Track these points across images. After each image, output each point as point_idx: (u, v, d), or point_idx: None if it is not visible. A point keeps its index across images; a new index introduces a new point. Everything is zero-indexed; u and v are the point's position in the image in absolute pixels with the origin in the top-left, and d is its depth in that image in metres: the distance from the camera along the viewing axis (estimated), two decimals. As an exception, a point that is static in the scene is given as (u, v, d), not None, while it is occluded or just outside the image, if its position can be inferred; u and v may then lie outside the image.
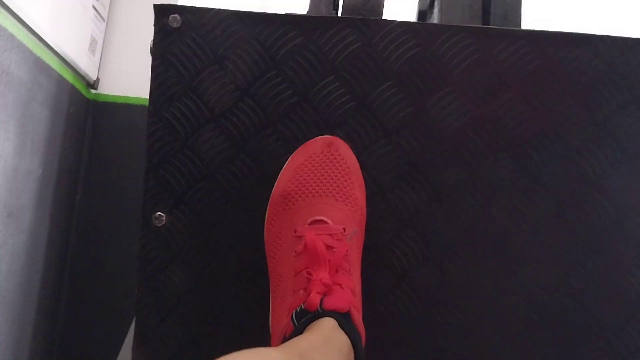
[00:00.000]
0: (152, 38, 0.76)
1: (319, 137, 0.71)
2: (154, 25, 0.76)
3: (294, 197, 0.66)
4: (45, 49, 1.68)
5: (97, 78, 2.05)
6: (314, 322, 0.55)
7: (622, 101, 0.75)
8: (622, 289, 0.74)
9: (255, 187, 0.75)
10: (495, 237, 0.74)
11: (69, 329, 1.96)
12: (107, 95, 2.07)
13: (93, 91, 2.06)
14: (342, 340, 0.54)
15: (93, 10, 1.94)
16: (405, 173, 0.74)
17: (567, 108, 0.75)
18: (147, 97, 2.06)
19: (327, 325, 0.54)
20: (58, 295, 1.94)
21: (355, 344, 0.55)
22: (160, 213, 0.75)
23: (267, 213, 0.70)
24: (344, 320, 0.55)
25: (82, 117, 2.00)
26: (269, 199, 0.70)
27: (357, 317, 0.58)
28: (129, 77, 2.09)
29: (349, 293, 0.58)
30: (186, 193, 0.75)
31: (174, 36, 0.75)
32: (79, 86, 1.96)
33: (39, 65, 1.66)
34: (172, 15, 0.76)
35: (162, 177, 0.75)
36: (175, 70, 0.75)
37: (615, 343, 0.74)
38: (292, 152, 0.71)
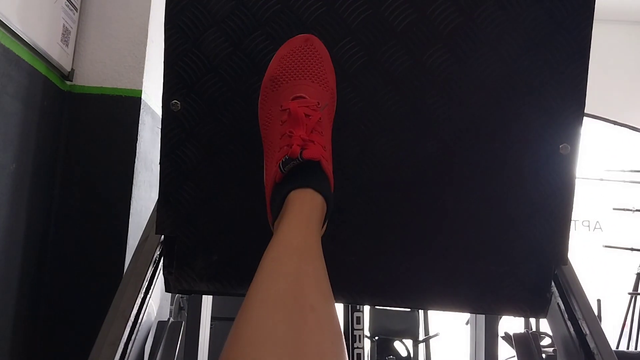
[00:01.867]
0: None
1: (299, 35, 0.87)
2: None
3: (279, 81, 0.84)
4: (14, 40, 1.64)
5: (72, 69, 2.01)
6: (294, 193, 0.72)
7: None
8: (534, 147, 0.93)
9: (250, 77, 0.92)
10: (434, 109, 0.93)
11: (49, 326, 1.93)
12: (83, 87, 2.03)
13: (68, 83, 2.01)
14: (317, 201, 0.72)
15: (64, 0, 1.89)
16: (365, 63, 0.93)
17: (485, 9, 0.92)
18: (123, 87, 2.01)
19: (306, 199, 0.72)
20: (38, 293, 1.91)
21: (326, 198, 0.73)
22: (176, 100, 0.92)
23: (260, 96, 0.86)
24: (317, 180, 0.74)
25: (57, 110, 1.96)
26: (260, 86, 0.87)
27: (327, 165, 0.77)
28: (104, 67, 2.04)
29: (320, 147, 0.76)
30: (196, 84, 0.92)
31: None
32: (53, 78, 1.91)
33: (8, 56, 1.61)
34: None
35: (176, 72, 0.92)
36: None
37: (529, 188, 0.94)
38: (278, 49, 0.87)
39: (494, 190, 0.95)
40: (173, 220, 0.95)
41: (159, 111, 2.26)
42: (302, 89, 0.82)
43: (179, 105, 0.92)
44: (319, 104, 0.81)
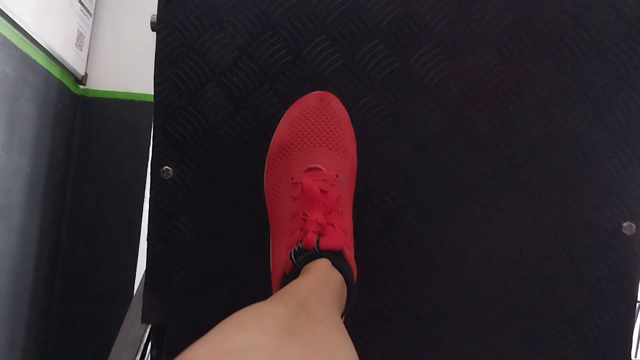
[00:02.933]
0: (153, 12, 0.80)
1: (313, 92, 0.76)
2: None
3: (290, 148, 0.72)
4: (31, 45, 1.66)
5: (85, 73, 2.03)
6: (310, 263, 0.60)
7: (589, 53, 0.81)
8: (591, 226, 0.82)
9: (255, 140, 0.80)
10: (474, 180, 0.81)
11: (62, 326, 1.95)
12: (96, 91, 2.05)
13: (81, 87, 2.04)
14: (336, 278, 0.59)
15: (79, 5, 1.91)
16: (391, 124, 0.81)
17: (537, 61, 0.81)
18: (136, 92, 2.04)
19: (322, 266, 0.59)
20: (50, 293, 1.93)
21: (347, 280, 0.61)
22: (167, 167, 0.81)
23: (266, 164, 0.76)
24: (337, 259, 0.61)
25: (70, 113, 1.98)
26: (267, 150, 0.76)
27: (349, 254, 0.64)
28: (117, 71, 2.07)
29: (341, 232, 0.64)
30: (191, 147, 0.81)
31: (177, 1, 0.80)
32: (67, 82, 1.93)
33: (25, 61, 1.63)
34: None
35: (168, 133, 0.80)
36: (178, 33, 0.80)
37: (584, 274, 0.82)
38: (288, 107, 0.77)
39: (543, 277, 0.82)
40: (162, 308, 0.82)
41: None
42: (317, 159, 0.70)
43: (170, 172, 0.80)
44: (337, 177, 0.69)
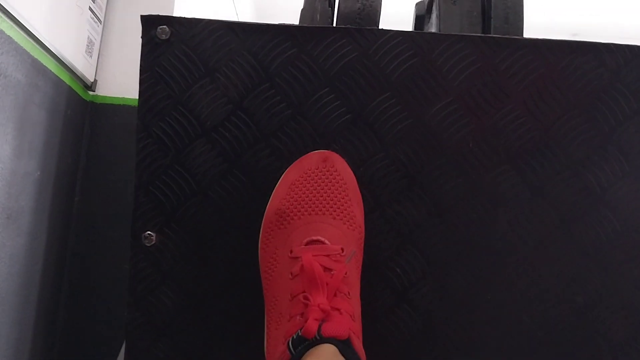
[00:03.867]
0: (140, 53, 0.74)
1: (314, 151, 0.68)
2: (142, 37, 0.74)
3: (289, 216, 0.63)
4: (42, 51, 1.68)
5: (95, 80, 2.05)
6: (312, 349, 0.53)
7: (628, 111, 0.72)
8: (628, 304, 0.72)
9: (249, 203, 0.71)
10: (497, 251, 0.72)
11: (69, 331, 1.97)
12: (105, 97, 2.07)
13: (90, 93, 2.06)
14: None
15: (89, 12, 1.94)
16: (404, 187, 0.71)
17: (570, 118, 0.72)
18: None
19: (327, 352, 0.52)
20: (57, 297, 1.95)
21: None
22: (150, 232, 0.73)
23: (261, 231, 0.68)
24: (344, 347, 0.53)
25: (79, 119, 2.00)
26: (263, 215, 0.68)
27: (357, 343, 0.56)
28: (126, 78, 2.09)
29: (348, 318, 0.56)
30: (177, 211, 0.72)
31: (163, 48, 0.74)
32: (77, 88, 1.95)
33: (36, 67, 1.65)
34: (161, 26, 0.75)
35: (152, 195, 0.73)
36: (164, 83, 0.74)
37: (619, 354, 0.73)
38: (286, 167, 0.69)
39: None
40: None
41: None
42: (319, 230, 0.62)
43: (153, 238, 0.73)
44: (343, 251, 0.61)
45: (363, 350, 0.57)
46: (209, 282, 0.72)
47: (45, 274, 1.84)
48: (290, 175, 0.67)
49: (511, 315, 0.72)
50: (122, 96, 2.07)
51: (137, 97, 2.07)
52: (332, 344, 0.53)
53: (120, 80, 2.08)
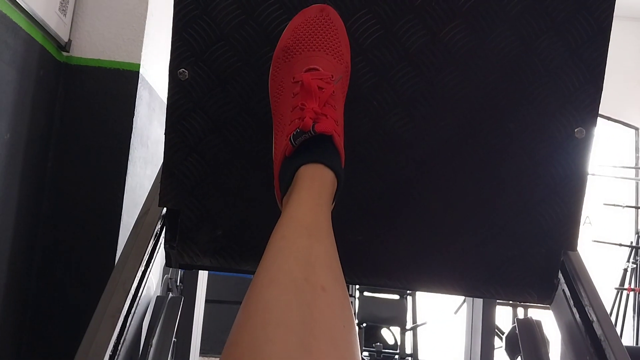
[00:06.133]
0: None
1: (314, 5, 0.85)
2: None
3: (292, 51, 0.81)
4: (12, 6, 1.59)
5: (69, 40, 1.96)
6: (304, 168, 0.70)
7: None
8: (549, 130, 0.93)
9: (262, 48, 0.89)
10: (450, 88, 0.92)
11: (41, 297, 1.90)
12: (80, 59, 1.99)
13: (64, 54, 1.97)
14: (328, 178, 0.70)
15: (64, -33, 1.84)
16: (381, 36, 0.90)
17: None
18: (121, 60, 1.97)
19: (313, 171, 0.70)
20: (29, 266, 1.88)
21: (337, 174, 0.71)
22: (184, 69, 0.89)
23: (271, 67, 0.84)
24: (329, 158, 0.71)
25: (52, 81, 1.92)
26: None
27: (339, 140, 0.74)
28: (101, 39, 2.00)
29: (333, 121, 0.74)
30: (204, 52, 0.89)
31: None
32: (50, 48, 1.87)
33: (5, 22, 1.57)
34: None
35: (184, 39, 0.89)
36: None
37: (542, 172, 0.93)
38: (292, 18, 0.85)
39: (506, 173, 0.94)
40: (177, 193, 0.93)
41: (156, 86, 2.23)
42: (316, 61, 0.80)
43: (186, 74, 0.89)
44: (332, 77, 0.79)
45: (342, 147, 0.75)
46: (231, 108, 0.91)
47: (17, 241, 1.77)
48: (295, 21, 0.84)
49: (464, 138, 0.93)
50: (98, 58, 1.99)
51: (113, 59, 2.00)
52: (320, 140, 0.71)
53: (96, 41, 2.00)
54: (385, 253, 0.96)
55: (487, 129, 0.93)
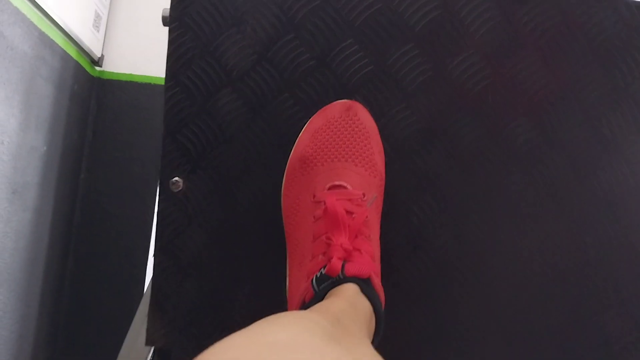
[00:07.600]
0: (169, 2, 0.75)
1: (338, 101, 0.70)
2: None
3: (312, 162, 0.66)
4: (50, 24, 1.66)
5: (102, 55, 2.03)
6: (335, 288, 0.54)
7: None
8: (638, 251, 0.75)
9: (273, 152, 0.74)
10: (511, 200, 0.75)
11: (74, 306, 1.96)
12: (112, 73, 2.05)
13: (97, 68, 2.04)
14: (364, 305, 0.54)
15: (97, -15, 1.91)
16: (424, 138, 0.73)
17: (587, 73, 0.74)
18: (152, 75, 2.02)
19: (350, 291, 0.54)
20: (63, 273, 1.94)
21: (377, 309, 0.56)
22: (177, 178, 0.75)
23: (284, 178, 0.70)
24: (365, 286, 0.55)
25: (86, 95, 1.98)
26: (286, 164, 0.70)
27: (377, 282, 0.58)
28: (133, 54, 2.06)
29: (368, 258, 0.58)
30: (203, 158, 0.74)
31: None
32: (83, 63, 1.93)
33: (43, 40, 1.63)
34: None
35: (179, 142, 0.74)
36: (192, 33, 0.73)
37: (630, 306, 0.75)
38: (309, 117, 0.71)
39: (586, 311, 0.75)
40: (168, 331, 0.75)
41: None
42: (342, 175, 0.64)
43: (181, 184, 0.75)
44: (364, 197, 0.62)
45: (382, 290, 0.60)
46: (233, 227, 0.74)
47: (51, 249, 1.83)
48: (314, 123, 0.69)
49: (523, 264, 0.75)
50: (129, 72, 2.05)
51: (144, 74, 2.05)
52: (354, 282, 0.55)
53: (128, 56, 2.06)
54: None
55: (558, 249, 0.75)
